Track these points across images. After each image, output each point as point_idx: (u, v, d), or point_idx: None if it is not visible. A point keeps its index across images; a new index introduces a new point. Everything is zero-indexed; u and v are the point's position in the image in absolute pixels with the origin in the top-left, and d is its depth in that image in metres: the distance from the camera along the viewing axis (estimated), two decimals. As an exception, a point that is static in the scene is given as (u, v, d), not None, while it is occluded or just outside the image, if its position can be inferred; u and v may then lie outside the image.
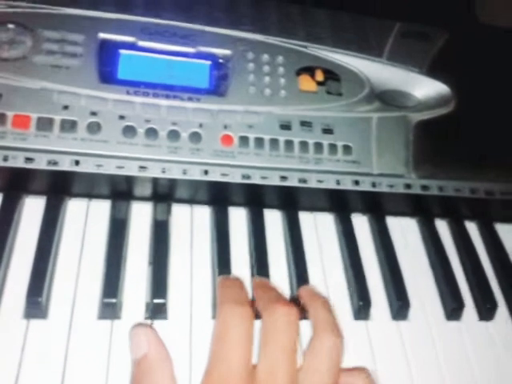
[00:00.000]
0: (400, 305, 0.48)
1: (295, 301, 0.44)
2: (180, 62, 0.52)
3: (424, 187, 0.53)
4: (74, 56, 0.49)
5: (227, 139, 0.49)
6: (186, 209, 0.51)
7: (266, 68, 0.53)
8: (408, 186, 0.53)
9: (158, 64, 0.51)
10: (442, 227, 0.57)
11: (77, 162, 0.45)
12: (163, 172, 0.47)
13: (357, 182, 0.51)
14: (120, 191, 0.49)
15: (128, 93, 0.48)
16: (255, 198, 0.51)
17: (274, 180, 0.49)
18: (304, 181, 0.50)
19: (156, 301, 0.43)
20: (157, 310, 0.43)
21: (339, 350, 0.39)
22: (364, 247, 0.52)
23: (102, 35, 0.50)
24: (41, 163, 0.45)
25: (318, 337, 0.39)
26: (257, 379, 0.36)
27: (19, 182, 0.47)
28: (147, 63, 0.51)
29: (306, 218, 0.53)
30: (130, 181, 0.47)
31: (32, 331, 0.41)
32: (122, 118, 0.47)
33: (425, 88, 0.57)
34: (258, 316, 0.39)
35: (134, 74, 0.50)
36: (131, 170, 0.46)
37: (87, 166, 0.45)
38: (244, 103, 0.51)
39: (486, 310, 0.51)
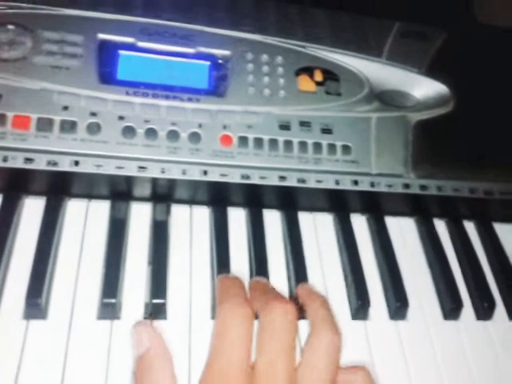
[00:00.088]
0: (398, 305, 0.48)
1: (294, 300, 0.45)
2: (179, 62, 0.52)
3: (423, 187, 0.53)
4: (74, 57, 0.49)
5: (226, 139, 0.49)
6: (186, 209, 0.51)
7: (265, 68, 0.53)
8: (407, 186, 0.53)
9: (157, 65, 0.51)
10: (441, 227, 0.57)
11: (76, 163, 0.45)
12: (162, 172, 0.47)
13: (356, 182, 0.51)
14: (119, 191, 0.49)
15: (127, 93, 0.48)
16: (254, 199, 0.51)
17: (273, 180, 0.49)
18: (303, 181, 0.50)
19: (155, 301, 0.43)
20: (156, 311, 0.43)
21: (337, 347, 0.39)
22: (363, 247, 0.52)
23: (102, 36, 0.51)
24: (40, 164, 0.45)
25: (316, 334, 0.39)
26: (256, 376, 0.36)
27: (19, 183, 0.47)
28: (146, 64, 0.51)
29: (305, 218, 0.53)
30: (129, 181, 0.48)
31: (32, 332, 0.41)
32: (121, 118, 0.47)
33: (424, 88, 0.58)
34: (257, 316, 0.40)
35: (134, 74, 0.50)
36: (131, 170, 0.46)
37: (87, 167, 0.46)
38: (243, 103, 0.51)
39: (484, 310, 0.51)
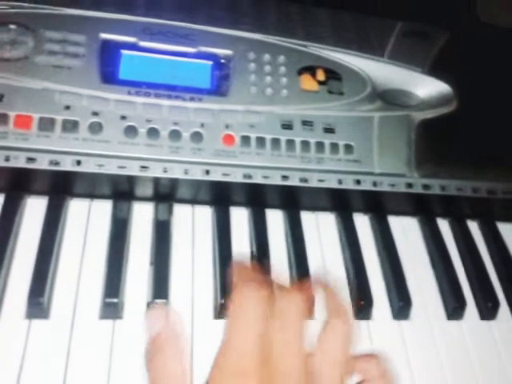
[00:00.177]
0: (401, 305, 0.48)
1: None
2: (181, 62, 0.52)
3: (426, 186, 0.53)
4: (76, 56, 0.49)
5: (229, 139, 0.49)
6: (188, 209, 0.51)
7: (268, 68, 0.53)
8: (410, 186, 0.52)
9: (159, 64, 0.51)
10: (444, 226, 0.57)
11: (78, 162, 0.45)
12: (165, 172, 0.47)
13: (358, 182, 0.51)
14: (121, 191, 0.49)
15: (129, 93, 0.48)
16: (257, 198, 0.51)
17: (276, 179, 0.49)
18: (305, 180, 0.50)
19: (157, 300, 0.43)
20: (158, 310, 0.43)
21: (350, 337, 0.39)
22: (366, 246, 0.52)
23: (104, 35, 0.51)
24: (42, 163, 0.45)
25: (329, 324, 0.40)
26: (271, 355, 0.36)
27: (21, 182, 0.47)
28: (149, 63, 0.51)
29: (307, 218, 0.53)
30: (131, 181, 0.48)
31: (34, 331, 0.41)
32: (123, 118, 0.47)
33: (426, 87, 0.57)
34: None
35: (136, 74, 0.50)
36: (133, 169, 0.46)
37: (89, 166, 0.46)
38: (245, 103, 0.51)
39: (488, 310, 0.51)
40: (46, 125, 0.45)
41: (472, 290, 0.52)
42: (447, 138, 0.55)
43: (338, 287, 0.46)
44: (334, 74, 0.55)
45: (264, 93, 0.52)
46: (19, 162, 0.44)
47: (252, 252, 0.49)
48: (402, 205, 0.55)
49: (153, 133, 0.47)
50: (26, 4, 0.50)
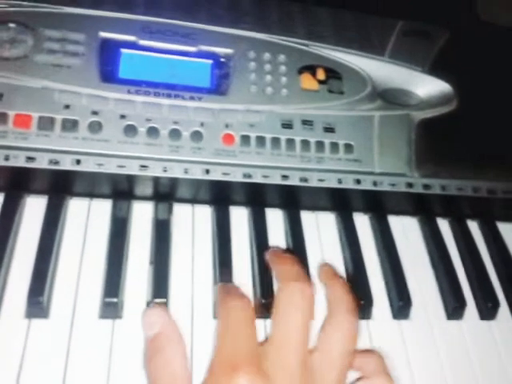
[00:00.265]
0: (401, 304, 0.48)
1: None
2: (181, 61, 0.52)
3: (426, 186, 0.53)
4: (75, 55, 0.48)
5: (228, 138, 0.49)
6: (188, 208, 0.51)
7: (268, 67, 0.53)
8: (410, 185, 0.52)
9: (159, 63, 0.51)
10: (444, 226, 0.57)
11: (78, 162, 0.45)
12: (164, 171, 0.47)
13: (358, 181, 0.51)
14: (121, 190, 0.49)
15: (129, 92, 0.48)
16: (257, 197, 0.51)
17: (276, 179, 0.49)
18: (305, 180, 0.50)
19: (157, 300, 0.43)
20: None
21: (354, 331, 0.39)
22: (365, 246, 0.52)
23: (103, 34, 0.50)
24: (42, 162, 0.45)
25: (333, 316, 0.40)
26: (270, 348, 0.37)
27: (20, 182, 0.47)
28: (148, 62, 0.51)
29: (307, 217, 0.53)
30: (131, 180, 0.47)
31: (33, 331, 0.41)
32: (123, 117, 0.47)
33: (427, 86, 0.57)
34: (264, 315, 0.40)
35: (136, 73, 0.50)
36: (132, 169, 0.46)
37: (88, 165, 0.45)
38: (245, 102, 0.51)
39: (488, 310, 0.51)
40: (46, 124, 0.45)
41: (472, 290, 0.52)
42: (448, 138, 0.55)
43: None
44: (334, 74, 0.55)
45: (264, 92, 0.52)
46: (19, 161, 0.44)
47: (252, 252, 0.49)
48: (402, 204, 0.55)
49: (152, 132, 0.47)
50: (25, 2, 0.50)
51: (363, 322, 0.47)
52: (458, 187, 0.54)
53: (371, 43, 0.58)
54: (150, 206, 0.50)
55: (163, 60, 0.51)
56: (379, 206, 0.54)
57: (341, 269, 0.51)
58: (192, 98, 0.50)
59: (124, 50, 0.50)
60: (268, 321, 0.42)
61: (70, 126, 0.46)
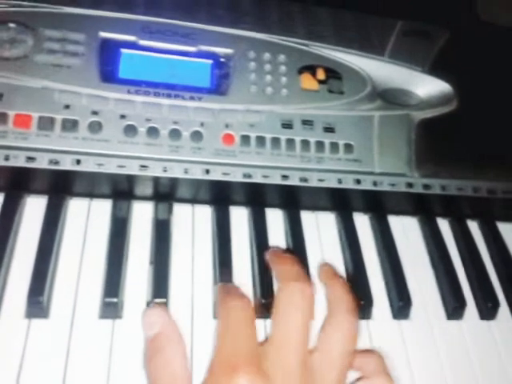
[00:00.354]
0: (401, 304, 0.48)
1: None
2: (181, 61, 0.52)
3: (426, 186, 0.53)
4: (75, 55, 0.48)
5: (228, 138, 0.49)
6: (188, 208, 0.51)
7: (268, 67, 0.53)
8: (410, 185, 0.52)
9: (159, 63, 0.51)
10: (444, 226, 0.57)
11: (78, 162, 0.45)
12: (164, 171, 0.47)
13: (358, 181, 0.51)
14: (121, 190, 0.49)
15: (129, 92, 0.48)
16: (257, 197, 0.51)
17: (276, 179, 0.49)
18: (305, 180, 0.50)
19: (157, 300, 0.43)
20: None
21: (354, 331, 0.39)
22: (365, 246, 0.52)
23: (103, 34, 0.50)
24: (42, 162, 0.45)
25: (333, 315, 0.40)
26: (270, 348, 0.37)
27: (20, 182, 0.47)
28: (148, 62, 0.51)
29: (307, 217, 0.53)
30: (131, 180, 0.47)
31: (33, 331, 0.41)
32: (123, 117, 0.47)
33: (427, 86, 0.57)
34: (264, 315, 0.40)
35: (135, 73, 0.50)
36: (132, 169, 0.46)
37: (88, 166, 0.45)
38: (245, 102, 0.51)
39: (488, 310, 0.51)
40: (46, 124, 0.45)
41: (472, 289, 0.52)
42: (448, 138, 0.55)
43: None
44: (334, 74, 0.55)
45: (264, 92, 0.52)
46: (19, 161, 0.44)
47: (252, 252, 0.49)
48: (402, 204, 0.55)
49: (152, 132, 0.47)
50: (25, 2, 0.50)
51: (363, 322, 0.47)
52: (458, 187, 0.54)
53: (371, 43, 0.58)
54: (150, 206, 0.50)
55: (163, 60, 0.51)
56: (379, 205, 0.54)
57: (341, 269, 0.51)
58: (192, 98, 0.50)
59: (124, 50, 0.50)
60: (268, 321, 0.42)
61: (70, 125, 0.46)
